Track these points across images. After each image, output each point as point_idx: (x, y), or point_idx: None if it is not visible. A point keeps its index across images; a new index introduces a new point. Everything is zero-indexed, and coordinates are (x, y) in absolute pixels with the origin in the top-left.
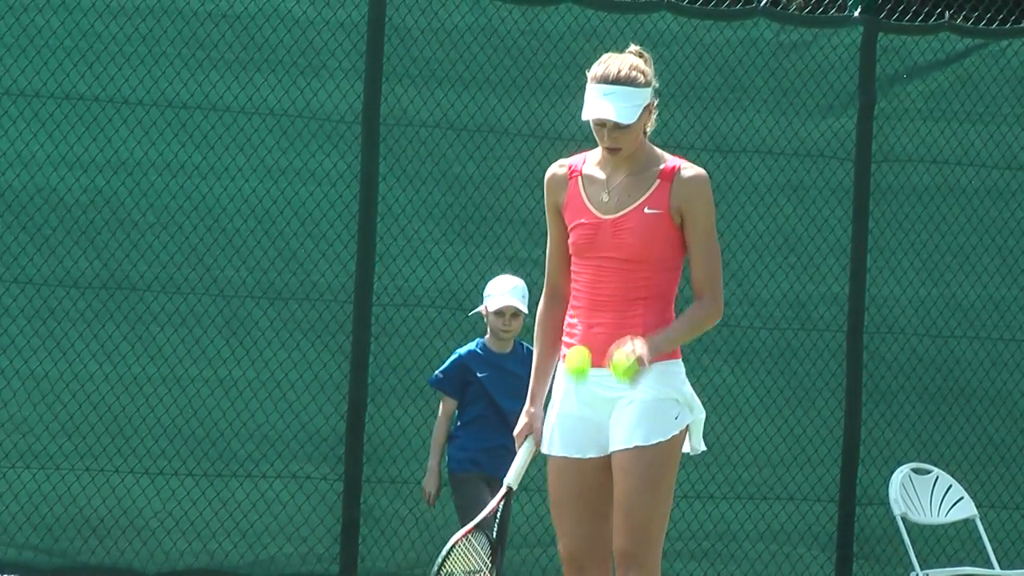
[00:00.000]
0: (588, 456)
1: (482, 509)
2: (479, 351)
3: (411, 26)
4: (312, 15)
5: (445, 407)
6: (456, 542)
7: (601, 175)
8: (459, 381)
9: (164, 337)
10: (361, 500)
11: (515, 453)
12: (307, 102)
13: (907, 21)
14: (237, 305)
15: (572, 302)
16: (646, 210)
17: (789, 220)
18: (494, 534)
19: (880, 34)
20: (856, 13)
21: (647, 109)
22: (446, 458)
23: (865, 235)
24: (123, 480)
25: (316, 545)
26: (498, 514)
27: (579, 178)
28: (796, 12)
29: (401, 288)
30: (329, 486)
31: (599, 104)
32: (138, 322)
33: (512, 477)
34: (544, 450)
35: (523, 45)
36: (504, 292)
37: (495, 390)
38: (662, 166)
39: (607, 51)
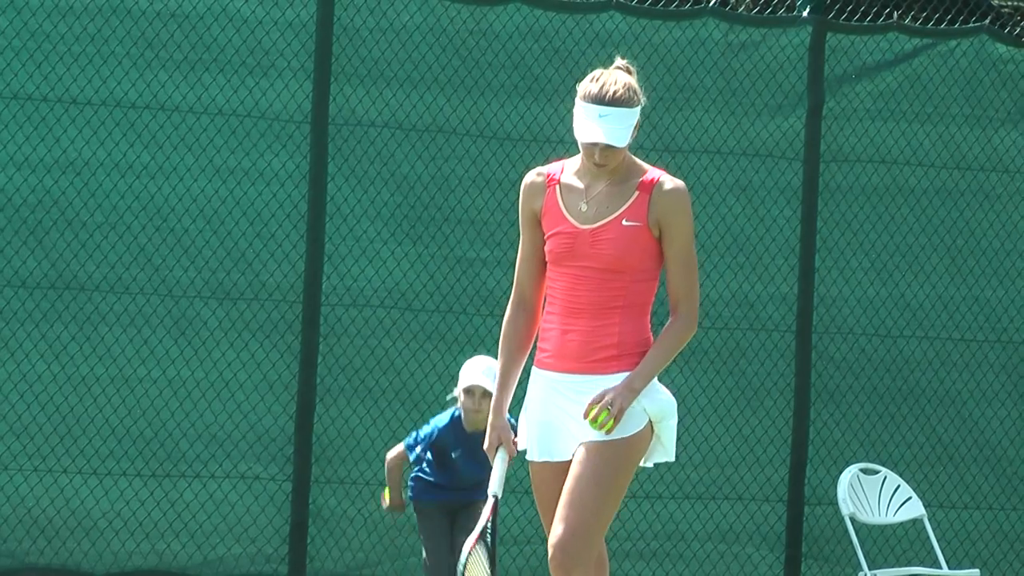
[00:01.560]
0: (565, 459)
1: (446, 531)
2: (453, 427)
3: (360, 26)
4: (261, 15)
5: (403, 456)
6: (471, 550)
7: (580, 184)
8: (425, 451)
9: (113, 337)
10: (310, 500)
11: (479, 487)
12: (256, 102)
13: (856, 21)
14: (186, 305)
15: (548, 307)
16: (624, 222)
17: (738, 220)
18: (489, 543)
19: (829, 34)
20: (805, 13)
21: (636, 126)
22: (408, 484)
23: (814, 235)
24: (71, 480)
25: (265, 545)
26: (490, 523)
27: (557, 187)
28: (745, 12)
29: (350, 288)
30: (278, 486)
31: (594, 127)
32: (86, 322)
33: (496, 487)
34: (527, 456)
35: (472, 45)
36: (474, 371)
37: (464, 466)
38: (642, 178)
39: (556, 51)
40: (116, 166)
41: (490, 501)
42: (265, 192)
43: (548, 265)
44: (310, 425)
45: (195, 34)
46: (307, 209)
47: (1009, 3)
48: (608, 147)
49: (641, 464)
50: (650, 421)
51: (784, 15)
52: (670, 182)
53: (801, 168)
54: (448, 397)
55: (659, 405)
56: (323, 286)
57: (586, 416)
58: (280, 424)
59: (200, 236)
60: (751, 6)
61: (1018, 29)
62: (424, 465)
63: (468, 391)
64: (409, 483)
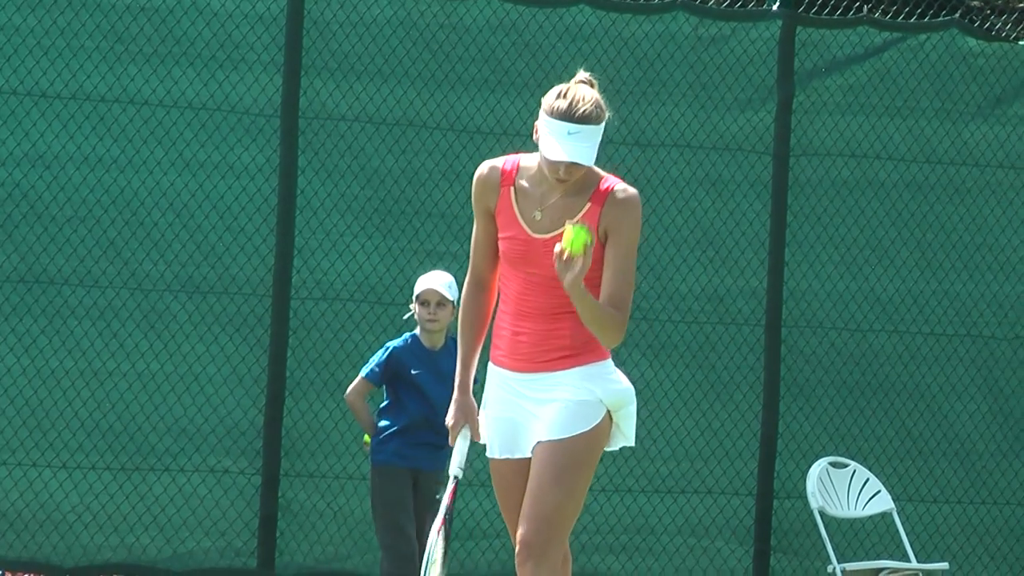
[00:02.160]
0: (524, 456)
1: (402, 506)
2: (411, 345)
3: (330, 19)
4: (231, 8)
5: (361, 386)
6: (436, 541)
7: (534, 191)
8: (387, 372)
9: (82, 331)
10: (279, 494)
11: (441, 448)
12: (226, 95)
13: (826, 15)
14: (155, 299)
15: (501, 303)
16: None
17: (708, 214)
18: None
19: (799, 28)
20: (775, 7)
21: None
22: (369, 440)
23: (783, 229)
24: (40, 474)
25: (234, 539)
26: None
27: (512, 189)
28: (715, 6)
29: (320, 282)
30: (247, 480)
31: (563, 145)
32: (56, 316)
33: (456, 467)
34: (488, 453)
35: (442, 38)
36: (428, 279)
37: (428, 386)
38: (596, 187)
39: (526, 45)
40: (85, 159)
41: (451, 483)
42: (235, 185)
43: (501, 262)
44: (279, 418)
45: (164, 27)
46: (277, 202)
47: None
48: (575, 164)
49: (619, 446)
50: (608, 411)
51: (754, 9)
52: (622, 192)
53: (771, 162)
54: (404, 317)
55: (615, 395)
56: (292, 279)
57: (561, 253)
58: (249, 417)
59: (169, 229)
60: (721, 0)
61: (988, 23)
62: (383, 415)
63: (422, 300)
64: (371, 445)
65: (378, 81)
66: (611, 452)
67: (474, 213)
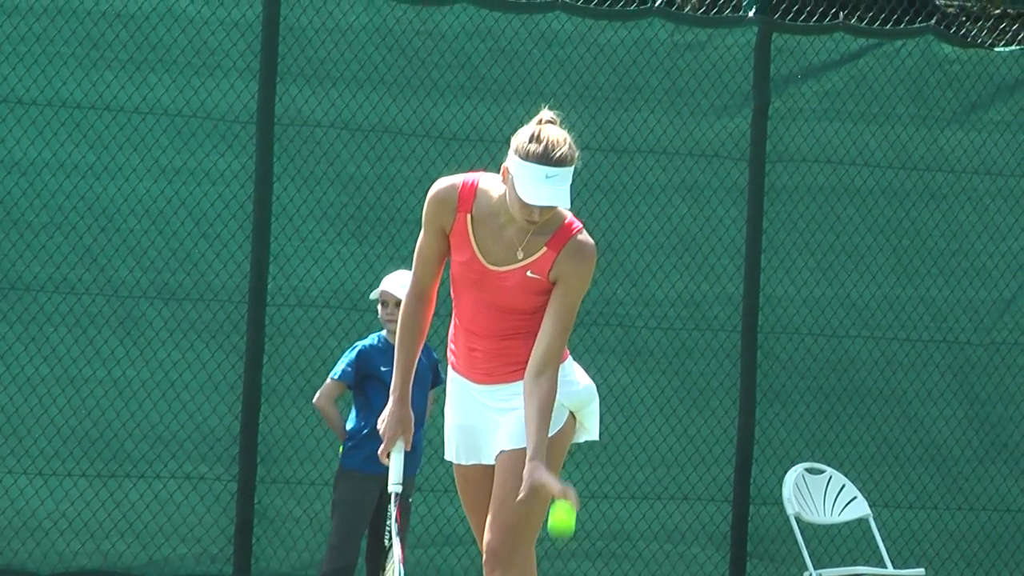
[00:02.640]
0: (488, 463)
1: (360, 513)
2: (379, 344)
3: (305, 26)
4: (206, 15)
5: (331, 389)
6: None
7: (492, 222)
8: (356, 372)
9: (58, 337)
10: (255, 500)
11: (413, 450)
12: (201, 102)
13: (802, 21)
14: (131, 305)
15: (455, 314)
16: (529, 273)
17: (684, 220)
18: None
19: (775, 34)
20: (751, 13)
21: None
22: (341, 449)
23: (760, 235)
24: (16, 481)
25: (210, 545)
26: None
27: (468, 216)
28: (691, 12)
29: (295, 288)
30: (223, 486)
31: (543, 190)
32: (32, 322)
33: (394, 484)
34: (448, 458)
35: (418, 45)
36: (386, 281)
37: None
38: (554, 232)
39: (502, 51)
40: (61, 166)
41: (394, 500)
42: (211, 192)
43: (452, 280)
44: (255, 425)
45: (140, 34)
46: (252, 209)
47: (954, 3)
48: (550, 208)
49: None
50: (571, 412)
51: (730, 15)
52: (577, 248)
53: (747, 168)
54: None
55: (576, 398)
56: (268, 286)
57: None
58: (225, 424)
59: (145, 236)
60: (697, 6)
61: (963, 29)
62: (352, 421)
63: (382, 301)
64: (340, 452)
65: (354, 88)
66: (587, 457)
67: (424, 227)
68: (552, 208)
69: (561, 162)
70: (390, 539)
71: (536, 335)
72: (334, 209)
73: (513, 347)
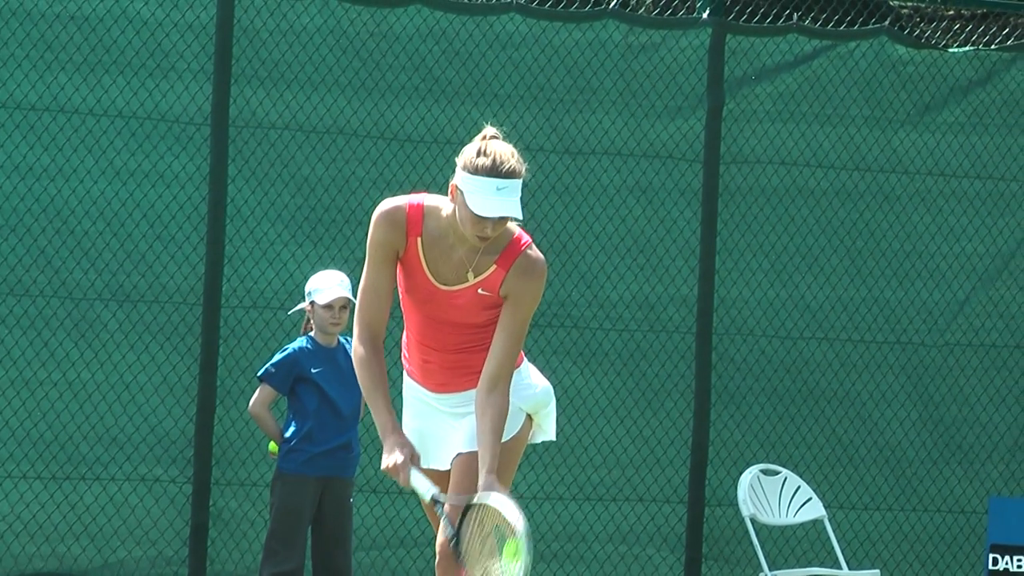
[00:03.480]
0: (438, 468)
1: (299, 518)
2: (309, 347)
3: (259, 28)
4: (160, 17)
5: (265, 395)
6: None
7: (442, 243)
8: (290, 376)
9: (12, 340)
10: (210, 503)
11: (349, 450)
12: (155, 104)
13: (756, 23)
14: (86, 307)
15: (406, 324)
16: (480, 291)
17: (638, 222)
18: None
19: (729, 36)
20: (705, 15)
21: None
22: (275, 449)
23: (714, 236)
24: None
25: (165, 548)
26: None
27: (419, 240)
28: (645, 14)
29: (250, 290)
30: (178, 489)
31: (494, 201)
32: None
33: (430, 492)
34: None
35: (372, 47)
36: (333, 285)
37: (329, 386)
38: (504, 249)
39: (456, 53)
40: (16, 168)
41: (439, 507)
42: (165, 194)
43: (402, 293)
44: (210, 427)
45: (94, 36)
46: (207, 211)
47: (908, 4)
48: (501, 220)
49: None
50: (528, 415)
51: (684, 17)
52: (526, 264)
53: (701, 170)
54: (288, 314)
55: (534, 400)
56: (223, 288)
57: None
58: (180, 426)
59: (100, 238)
60: (651, 8)
61: (917, 31)
62: (287, 425)
63: (328, 306)
64: (279, 452)
65: (308, 89)
66: (542, 458)
67: (370, 257)
68: (504, 222)
69: (511, 174)
70: (457, 544)
71: (489, 342)
72: (288, 211)
73: (467, 359)
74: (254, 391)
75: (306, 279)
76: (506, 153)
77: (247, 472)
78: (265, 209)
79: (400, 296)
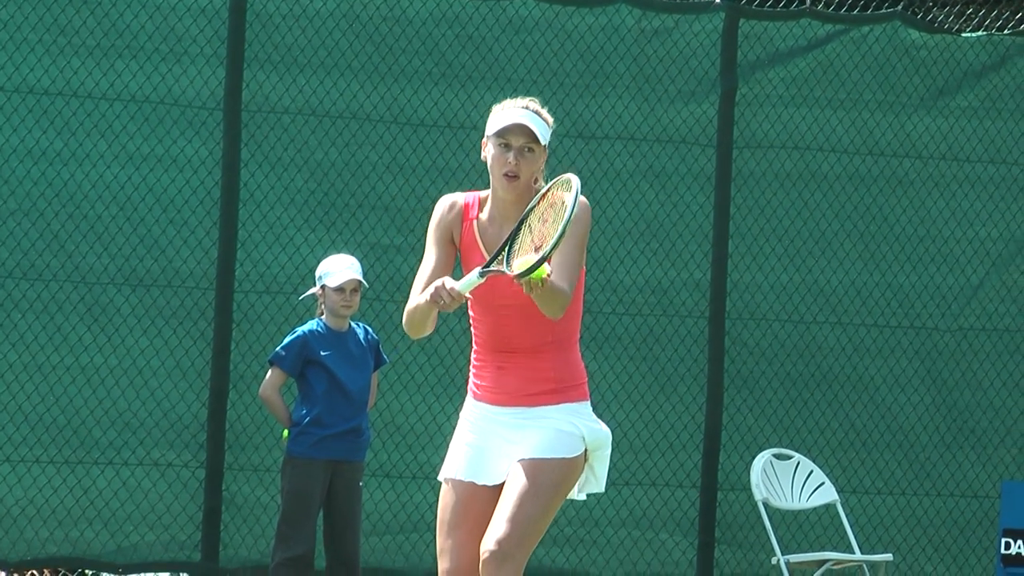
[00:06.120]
0: (485, 483)
1: (309, 500)
2: (320, 330)
3: (272, 12)
4: (173, 1)
5: (276, 378)
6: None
7: (493, 225)
8: (300, 359)
9: (25, 324)
10: (223, 487)
11: (361, 435)
12: (169, 88)
13: (769, 7)
14: (99, 292)
15: (476, 344)
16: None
17: (651, 206)
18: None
19: (742, 20)
20: None
21: (545, 152)
22: (288, 435)
23: (727, 221)
24: None
25: (178, 532)
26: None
27: (475, 224)
28: None
29: (263, 275)
30: (191, 473)
31: (517, 115)
32: None
33: (476, 270)
34: (444, 473)
35: (385, 31)
36: (344, 268)
37: (338, 369)
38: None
39: (469, 37)
40: (29, 153)
41: (491, 272)
42: (178, 179)
43: (470, 303)
44: (223, 412)
45: (108, 20)
46: (220, 195)
47: None
48: (522, 153)
49: (575, 494)
50: (586, 450)
51: (697, 1)
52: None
53: (714, 154)
54: (300, 299)
55: (596, 435)
56: (236, 272)
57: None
58: (193, 411)
59: (113, 223)
60: None
61: (930, 15)
62: (296, 408)
63: (340, 288)
64: (289, 436)
65: (321, 74)
66: None
67: (430, 240)
68: (529, 158)
69: (530, 106)
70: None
71: (566, 337)
72: (301, 195)
73: (544, 362)
74: (266, 375)
75: (319, 263)
76: (529, 100)
77: (260, 457)
78: (278, 194)
79: (469, 310)
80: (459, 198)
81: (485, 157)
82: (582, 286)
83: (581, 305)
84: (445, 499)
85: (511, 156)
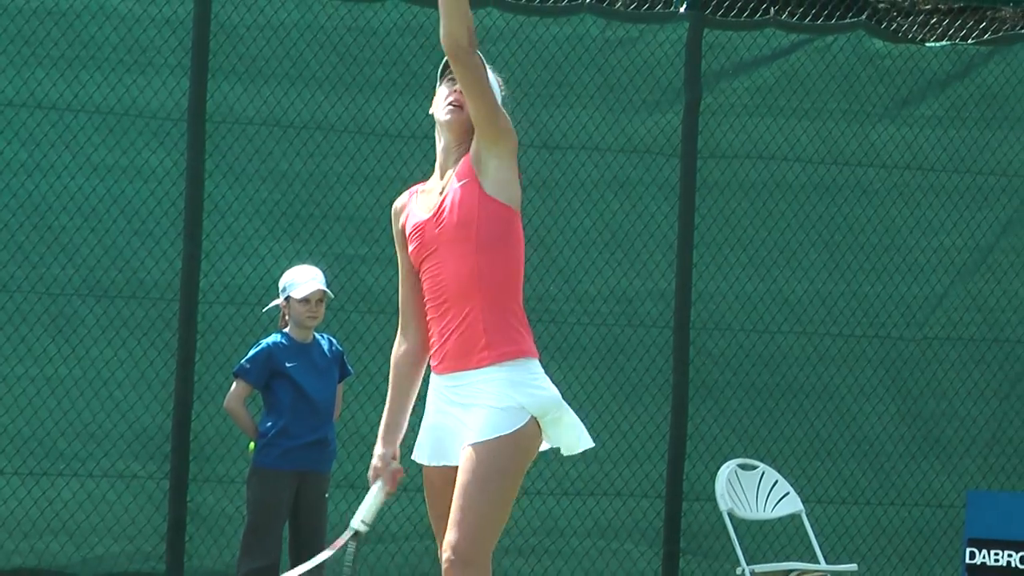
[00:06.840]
0: (453, 464)
1: (275, 512)
2: (284, 342)
3: (237, 23)
4: (138, 12)
5: (240, 390)
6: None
7: (434, 184)
8: (265, 371)
9: None
10: (188, 498)
11: (326, 445)
12: (133, 99)
13: (733, 17)
14: (63, 303)
15: (428, 318)
16: (457, 182)
17: (616, 216)
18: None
19: (706, 30)
20: (682, 9)
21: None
22: (254, 447)
23: (691, 230)
24: None
25: (143, 544)
26: (350, 558)
27: (415, 196)
28: (622, 8)
29: (228, 285)
30: (156, 484)
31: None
32: None
33: (359, 521)
34: (414, 458)
35: (349, 42)
36: (308, 279)
37: (304, 380)
38: (467, 143)
39: (434, 48)
40: None
41: (348, 533)
42: (143, 190)
43: (416, 262)
44: (188, 423)
45: (72, 31)
46: (184, 206)
47: None
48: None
49: (565, 453)
50: (533, 417)
51: (661, 11)
52: None
53: (678, 164)
54: (263, 310)
55: (539, 401)
56: (200, 284)
57: None
58: (158, 422)
59: (78, 234)
60: (628, 2)
61: (894, 25)
62: (263, 420)
63: (305, 300)
64: (255, 448)
65: (285, 84)
66: None
67: (398, 248)
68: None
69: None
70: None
71: (496, 287)
72: (266, 206)
73: (474, 314)
74: (231, 386)
75: (283, 274)
76: None
77: (225, 468)
78: (243, 204)
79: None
80: (404, 195)
81: (432, 110)
82: (520, 239)
83: (520, 264)
84: (425, 484)
85: (454, 87)
